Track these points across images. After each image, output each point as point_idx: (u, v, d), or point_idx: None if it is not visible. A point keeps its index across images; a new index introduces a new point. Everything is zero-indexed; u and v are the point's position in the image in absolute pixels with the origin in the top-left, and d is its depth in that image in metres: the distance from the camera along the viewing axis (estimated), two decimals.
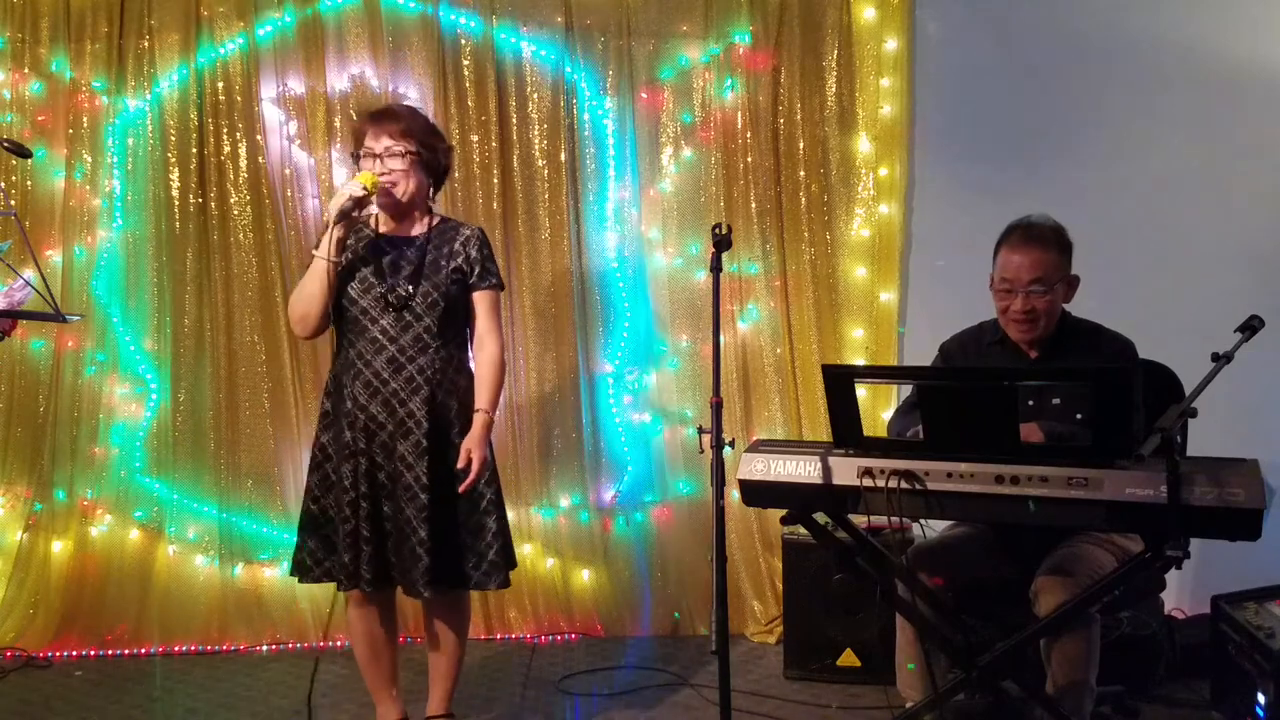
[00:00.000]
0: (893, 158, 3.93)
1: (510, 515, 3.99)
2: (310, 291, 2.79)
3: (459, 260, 2.86)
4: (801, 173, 3.95)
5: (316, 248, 2.81)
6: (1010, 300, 2.71)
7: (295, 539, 2.96)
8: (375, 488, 2.79)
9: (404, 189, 2.82)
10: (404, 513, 2.76)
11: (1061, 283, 2.71)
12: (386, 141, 2.80)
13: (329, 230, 2.75)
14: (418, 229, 2.89)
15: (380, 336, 2.78)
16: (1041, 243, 2.70)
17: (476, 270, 2.88)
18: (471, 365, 2.92)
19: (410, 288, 2.80)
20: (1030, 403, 2.63)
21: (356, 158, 2.86)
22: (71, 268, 3.95)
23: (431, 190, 2.94)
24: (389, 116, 2.86)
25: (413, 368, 2.78)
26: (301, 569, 2.94)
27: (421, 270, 2.82)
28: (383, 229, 2.90)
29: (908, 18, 3.88)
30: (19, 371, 3.98)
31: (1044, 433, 2.52)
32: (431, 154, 2.88)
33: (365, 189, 2.73)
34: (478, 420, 2.81)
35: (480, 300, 2.89)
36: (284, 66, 3.94)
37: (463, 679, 3.60)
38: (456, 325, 2.89)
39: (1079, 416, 2.52)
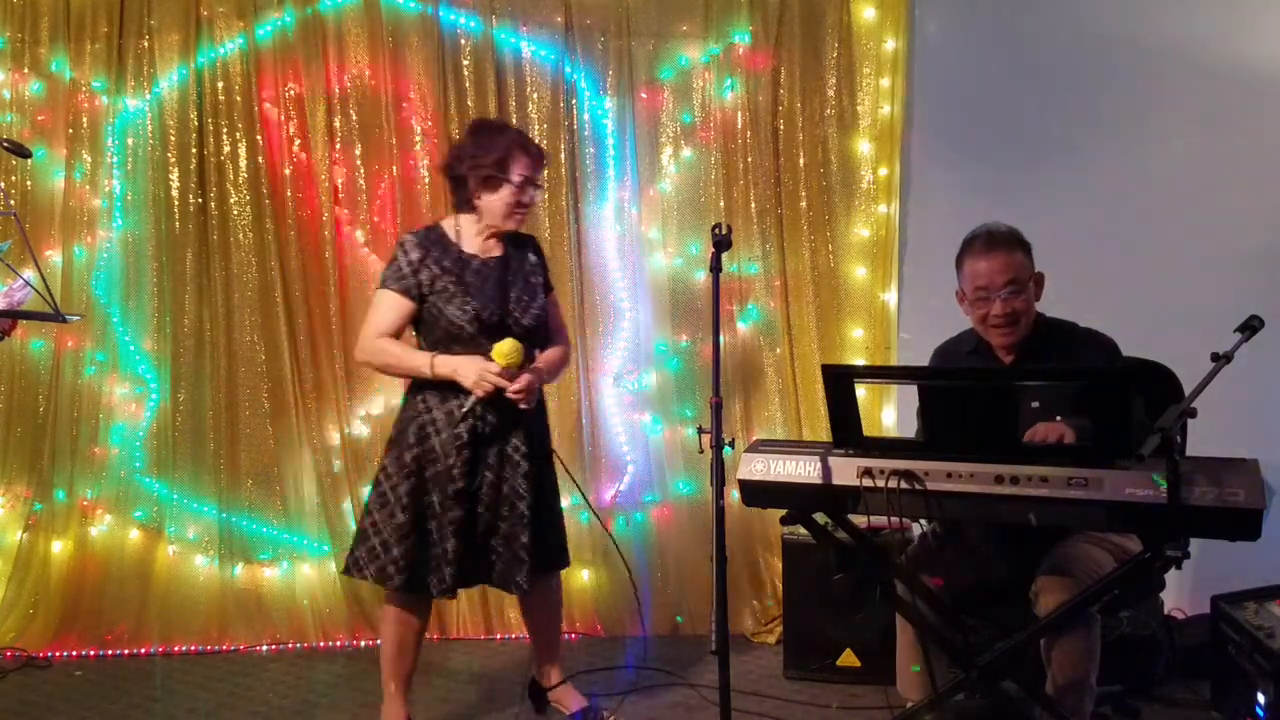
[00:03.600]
0: (892, 158, 3.93)
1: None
2: (395, 368, 2.95)
3: (540, 274, 3.06)
4: (801, 173, 3.95)
5: (435, 355, 2.86)
6: (988, 307, 2.73)
7: (390, 549, 2.91)
8: (479, 496, 2.92)
9: None
10: (508, 519, 2.91)
11: (1031, 281, 2.75)
12: (540, 170, 2.97)
13: (461, 379, 2.82)
14: (500, 248, 2.99)
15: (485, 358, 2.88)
16: (1005, 246, 2.73)
17: (548, 277, 3.11)
18: None
19: (514, 309, 2.93)
20: (1038, 409, 2.63)
21: (505, 181, 2.89)
22: (71, 268, 3.95)
23: None
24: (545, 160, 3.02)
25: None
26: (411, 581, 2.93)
27: (525, 289, 2.98)
28: (467, 249, 2.95)
29: (907, 18, 3.88)
30: (19, 371, 3.98)
31: (1075, 430, 2.46)
32: None
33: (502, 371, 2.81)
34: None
35: (552, 302, 3.12)
36: (284, 66, 3.94)
37: (462, 679, 3.62)
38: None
39: (1058, 418, 2.52)
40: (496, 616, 4.03)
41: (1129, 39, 3.79)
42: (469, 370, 2.80)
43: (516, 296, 2.95)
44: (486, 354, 2.83)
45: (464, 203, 2.98)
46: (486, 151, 2.89)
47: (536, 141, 3.91)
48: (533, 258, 3.05)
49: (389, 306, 2.90)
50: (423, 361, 2.85)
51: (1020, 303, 2.72)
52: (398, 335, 2.93)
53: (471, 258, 2.94)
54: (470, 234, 2.97)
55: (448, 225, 2.99)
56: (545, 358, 3.03)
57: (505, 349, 2.80)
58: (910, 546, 2.91)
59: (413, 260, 2.89)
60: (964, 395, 2.36)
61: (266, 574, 4.03)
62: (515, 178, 2.89)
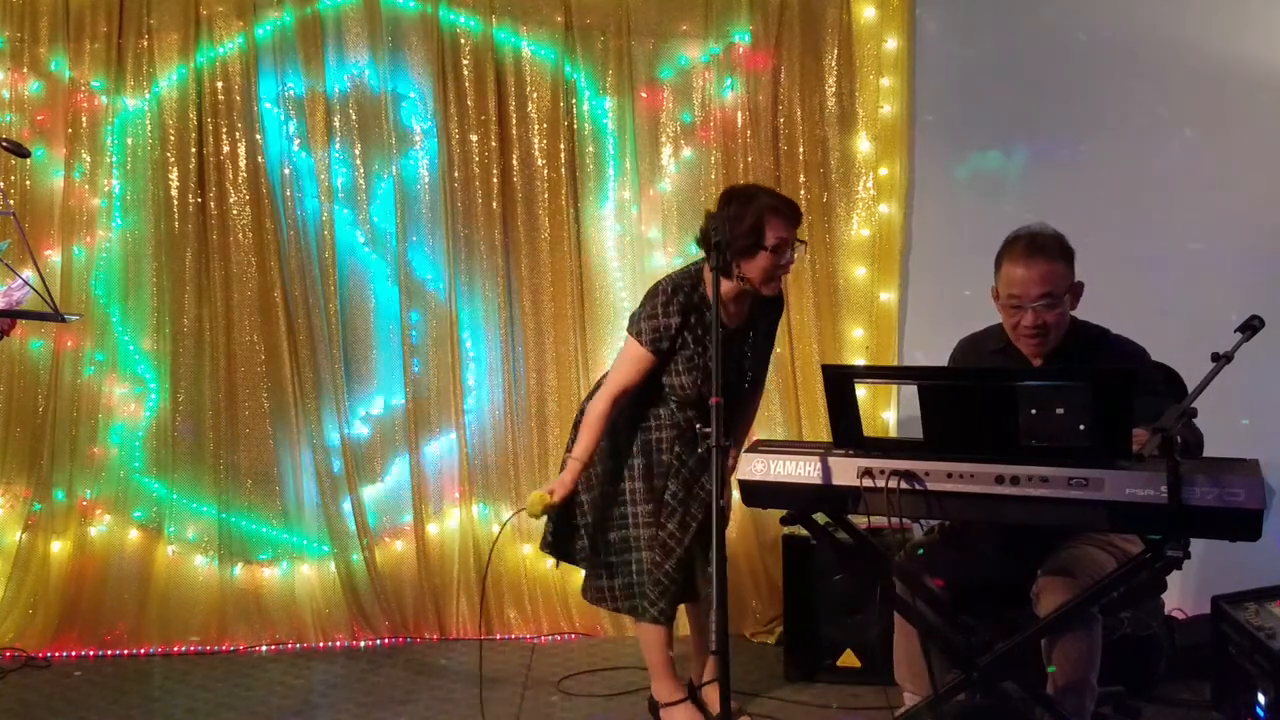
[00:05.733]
0: (893, 157, 3.92)
1: (510, 515, 4.03)
2: (580, 432, 3.01)
3: (774, 334, 3.20)
4: (801, 173, 3.94)
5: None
6: (1019, 316, 2.66)
7: (657, 588, 3.03)
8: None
9: None
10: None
11: (1069, 293, 2.68)
12: (792, 237, 2.96)
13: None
14: (747, 311, 3.06)
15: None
16: (1046, 255, 2.64)
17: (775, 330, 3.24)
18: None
19: (751, 375, 3.09)
20: (1033, 411, 2.61)
21: (761, 249, 2.88)
22: (70, 267, 3.94)
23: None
24: (787, 199, 3.01)
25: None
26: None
27: (760, 357, 3.13)
28: (723, 316, 2.95)
29: (908, 17, 3.87)
30: (18, 371, 3.98)
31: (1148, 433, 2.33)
32: None
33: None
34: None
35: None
36: (283, 66, 3.93)
37: (462, 679, 3.62)
38: None
39: (1082, 427, 2.50)
40: (496, 616, 4.03)
41: (1130, 39, 3.78)
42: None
43: (748, 369, 3.06)
44: (700, 414, 2.97)
45: (723, 269, 2.91)
46: (739, 221, 2.88)
47: (535, 141, 3.96)
48: (772, 314, 3.13)
49: (636, 362, 2.96)
50: (575, 455, 2.97)
51: (1053, 316, 2.64)
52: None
53: (722, 327, 2.93)
54: (726, 298, 2.97)
55: (709, 283, 2.93)
56: (742, 432, 3.17)
57: (533, 504, 2.93)
58: (909, 544, 2.90)
59: (673, 325, 2.92)
60: (965, 395, 2.36)
61: (266, 574, 4.02)
62: (770, 243, 2.89)
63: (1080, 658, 2.52)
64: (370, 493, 4.05)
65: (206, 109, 3.94)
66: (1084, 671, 2.53)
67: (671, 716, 3.13)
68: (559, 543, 3.15)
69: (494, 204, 3.96)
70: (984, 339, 2.90)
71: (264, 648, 3.95)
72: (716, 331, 2.61)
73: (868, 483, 2.35)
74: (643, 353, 2.94)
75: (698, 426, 2.98)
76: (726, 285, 2.93)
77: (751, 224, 2.87)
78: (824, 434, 3.68)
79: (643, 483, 3.02)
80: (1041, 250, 2.65)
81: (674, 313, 2.92)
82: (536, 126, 3.97)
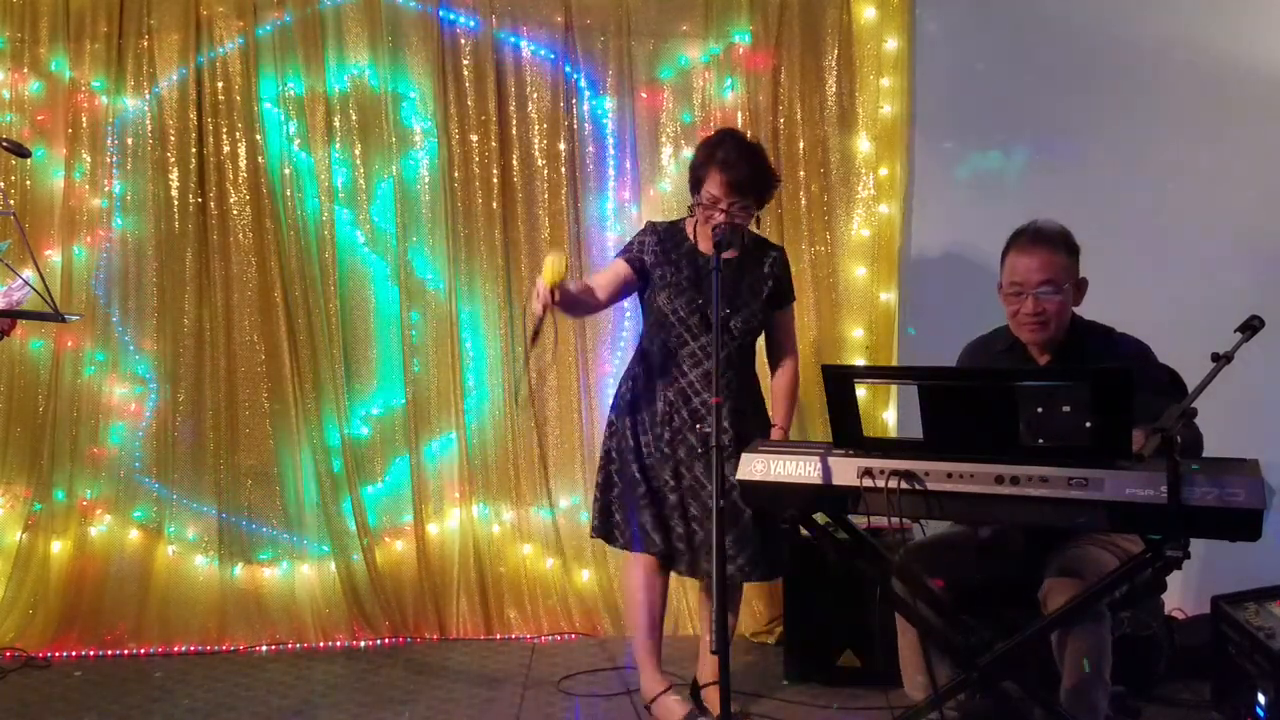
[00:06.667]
0: (893, 157, 3.92)
1: (510, 515, 4.03)
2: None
3: (770, 285, 3.09)
4: (801, 173, 3.94)
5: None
6: (1020, 303, 2.71)
7: (605, 506, 3.14)
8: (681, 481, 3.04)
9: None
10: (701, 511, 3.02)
11: (1071, 285, 2.72)
12: (733, 198, 2.92)
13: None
14: (733, 251, 3.02)
15: (699, 352, 2.96)
16: (1050, 245, 2.71)
17: (785, 290, 3.16)
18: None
19: (729, 310, 2.99)
20: (1039, 409, 2.62)
21: (697, 205, 2.99)
22: (71, 267, 3.94)
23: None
24: (738, 167, 2.92)
25: (721, 382, 2.90)
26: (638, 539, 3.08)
27: (740, 294, 3.03)
28: (702, 245, 3.04)
29: (908, 17, 3.88)
30: (19, 371, 3.98)
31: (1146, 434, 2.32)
32: (765, 196, 3.03)
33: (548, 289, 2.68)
34: (775, 435, 3.10)
35: (782, 317, 3.18)
36: (283, 66, 3.93)
37: (462, 679, 3.61)
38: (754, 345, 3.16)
39: (1088, 425, 2.50)
40: (496, 616, 4.03)
41: (1131, 38, 3.78)
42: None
43: (729, 300, 3.00)
44: (690, 346, 3.01)
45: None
46: (694, 159, 3.03)
47: (535, 141, 3.95)
48: (766, 268, 3.10)
49: (609, 266, 3.15)
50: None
51: (1052, 303, 2.69)
52: (604, 294, 3.04)
53: (701, 255, 3.04)
54: (703, 235, 3.04)
55: (689, 223, 3.13)
56: (779, 398, 3.19)
57: (546, 264, 2.70)
58: (906, 545, 2.90)
59: (645, 242, 3.09)
60: (965, 395, 2.36)
61: (266, 574, 4.02)
62: (704, 196, 2.95)
63: (1090, 654, 2.51)
64: (370, 493, 4.05)
65: (206, 109, 3.94)
66: (1095, 667, 2.52)
67: (663, 706, 3.12)
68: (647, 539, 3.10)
69: (494, 204, 3.96)
70: (991, 340, 2.92)
71: (264, 648, 3.95)
72: (717, 324, 2.61)
73: (868, 483, 2.35)
74: (616, 260, 3.10)
75: (698, 427, 2.99)
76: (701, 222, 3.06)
77: (698, 163, 3.01)
78: (824, 434, 3.68)
79: (686, 435, 3.05)
80: (1045, 241, 2.72)
81: (646, 233, 3.12)
82: (536, 126, 3.97)
